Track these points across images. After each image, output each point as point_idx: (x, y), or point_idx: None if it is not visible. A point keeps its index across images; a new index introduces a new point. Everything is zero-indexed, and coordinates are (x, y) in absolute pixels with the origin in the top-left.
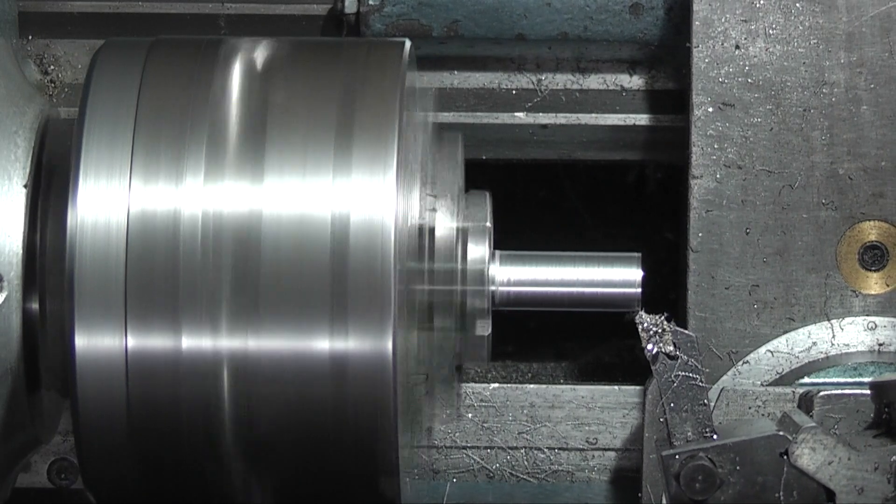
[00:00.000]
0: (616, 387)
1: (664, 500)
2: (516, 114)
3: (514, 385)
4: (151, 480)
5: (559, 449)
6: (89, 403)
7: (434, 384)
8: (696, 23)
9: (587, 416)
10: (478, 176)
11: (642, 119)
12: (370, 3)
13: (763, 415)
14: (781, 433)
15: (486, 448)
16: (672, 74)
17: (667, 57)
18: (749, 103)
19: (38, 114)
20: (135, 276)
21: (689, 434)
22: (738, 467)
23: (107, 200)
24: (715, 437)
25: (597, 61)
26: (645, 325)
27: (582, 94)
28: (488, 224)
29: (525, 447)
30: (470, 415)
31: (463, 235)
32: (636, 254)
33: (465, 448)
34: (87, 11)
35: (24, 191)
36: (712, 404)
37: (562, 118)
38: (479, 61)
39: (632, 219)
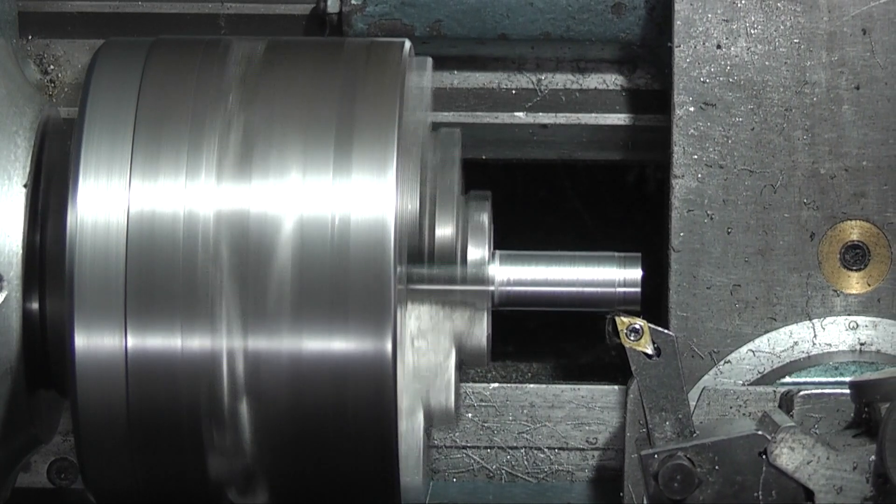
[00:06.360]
0: (616, 387)
1: (645, 500)
2: (516, 114)
3: (514, 385)
4: (151, 480)
5: (559, 449)
6: (89, 403)
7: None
8: (678, 22)
9: (587, 416)
10: (478, 176)
11: (643, 119)
12: (352, 2)
13: (744, 414)
14: (760, 432)
15: (486, 448)
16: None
17: (650, 56)
18: (731, 103)
19: (38, 114)
20: (135, 276)
21: (669, 433)
22: (716, 467)
23: (107, 200)
24: (695, 436)
25: (591, 61)
26: (624, 324)
27: (582, 93)
28: (488, 224)
29: (525, 447)
30: (470, 415)
31: (463, 235)
32: (636, 254)
33: (464, 448)
34: (87, 11)
35: (23, 190)
36: (693, 404)
37: (562, 118)
38: (479, 61)
39: (632, 219)
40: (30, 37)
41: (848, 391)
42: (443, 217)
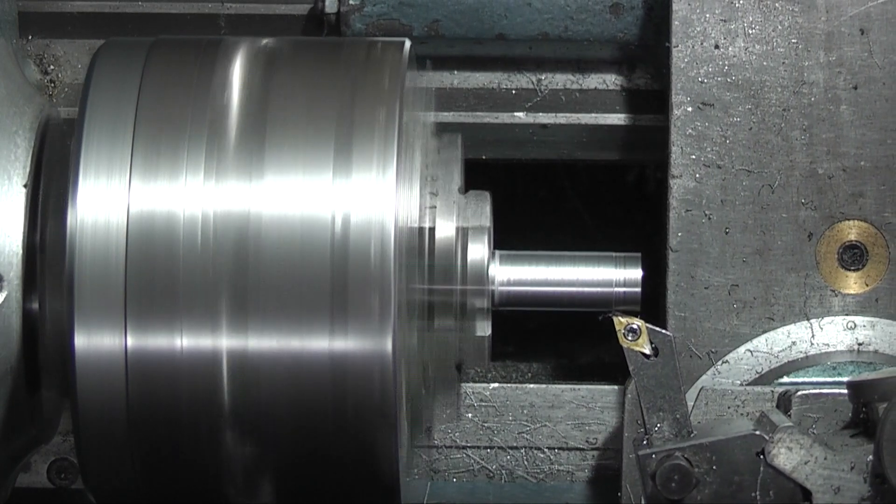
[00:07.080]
0: (616, 387)
1: (643, 500)
2: (516, 114)
3: (514, 385)
4: (151, 480)
5: (559, 449)
6: (89, 403)
7: (434, 384)
8: (676, 22)
9: (587, 416)
10: (478, 176)
11: (643, 119)
12: (350, 2)
13: (742, 414)
14: (758, 432)
15: (486, 448)
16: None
17: (649, 57)
18: (728, 103)
19: (38, 114)
20: (135, 276)
21: (667, 433)
22: (714, 467)
23: (107, 200)
24: (693, 436)
25: (590, 61)
26: (621, 324)
27: (581, 93)
28: (488, 224)
29: (525, 447)
30: (470, 415)
31: (463, 235)
32: (636, 254)
33: (465, 448)
34: (87, 11)
35: (23, 190)
36: (691, 404)
37: (562, 118)
38: (479, 61)
39: (632, 219)
40: (30, 37)
41: (846, 391)
42: (443, 217)
